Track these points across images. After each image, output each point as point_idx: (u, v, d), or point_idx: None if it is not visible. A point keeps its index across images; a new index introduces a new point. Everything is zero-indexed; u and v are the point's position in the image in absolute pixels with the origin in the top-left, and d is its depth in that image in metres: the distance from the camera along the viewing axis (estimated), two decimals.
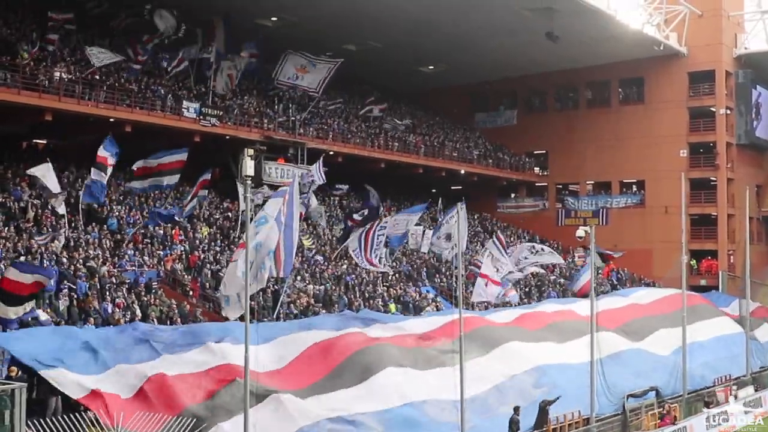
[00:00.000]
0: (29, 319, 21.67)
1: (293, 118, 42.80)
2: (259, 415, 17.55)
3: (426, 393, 23.70)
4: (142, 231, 31.71)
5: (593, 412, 25.79)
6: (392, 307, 34.42)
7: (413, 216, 40.60)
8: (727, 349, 38.53)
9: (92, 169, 30.02)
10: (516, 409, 23.63)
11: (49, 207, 29.24)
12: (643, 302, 39.84)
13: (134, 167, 31.46)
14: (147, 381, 19.38)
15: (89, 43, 35.57)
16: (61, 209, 28.97)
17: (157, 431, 16.41)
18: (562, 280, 48.10)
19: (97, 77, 34.64)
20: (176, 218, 32.44)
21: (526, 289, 44.48)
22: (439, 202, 49.94)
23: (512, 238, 52.64)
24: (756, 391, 35.04)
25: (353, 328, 25.93)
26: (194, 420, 17.45)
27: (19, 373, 18.10)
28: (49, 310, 23.01)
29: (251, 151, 37.66)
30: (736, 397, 33.18)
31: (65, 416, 16.40)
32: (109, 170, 30.29)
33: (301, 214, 33.06)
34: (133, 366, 19.91)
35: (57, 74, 32.66)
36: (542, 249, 42.81)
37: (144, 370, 19.87)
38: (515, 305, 36.80)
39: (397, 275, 39.17)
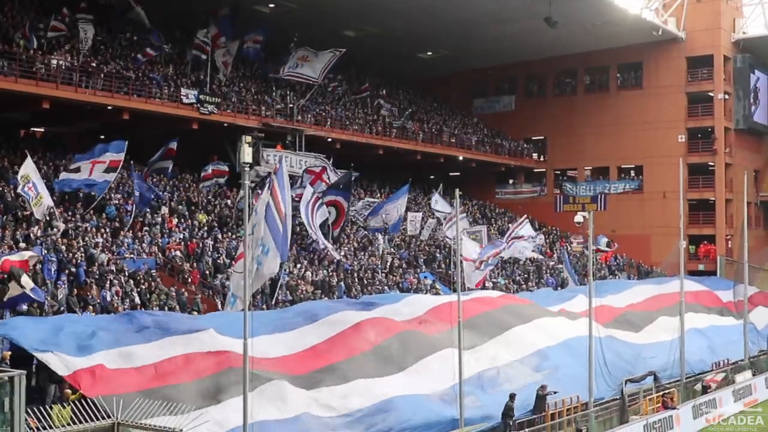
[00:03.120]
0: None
1: (291, 105, 42.76)
2: (254, 400, 17.56)
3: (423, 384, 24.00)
4: (141, 219, 31.72)
5: (592, 397, 25.87)
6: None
7: (401, 199, 40.72)
8: (724, 334, 38.70)
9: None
10: (512, 397, 23.73)
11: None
12: (636, 300, 39.85)
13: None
14: (143, 363, 19.49)
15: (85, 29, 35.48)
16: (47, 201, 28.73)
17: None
18: (560, 266, 48.16)
19: (94, 65, 34.58)
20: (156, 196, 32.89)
21: (525, 275, 44.59)
22: (440, 187, 49.99)
23: (510, 225, 52.58)
24: (753, 375, 35.15)
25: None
26: (191, 407, 17.47)
27: (7, 361, 18.08)
28: (48, 298, 23.06)
29: (249, 138, 37.60)
30: (733, 381, 33.33)
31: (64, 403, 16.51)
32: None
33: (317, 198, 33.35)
34: (131, 347, 19.96)
35: (54, 62, 32.59)
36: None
37: (142, 351, 19.94)
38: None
39: (396, 261, 39.29)
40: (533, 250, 44.21)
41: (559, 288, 43.27)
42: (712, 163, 55.80)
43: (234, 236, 33.69)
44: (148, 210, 32.76)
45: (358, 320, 25.38)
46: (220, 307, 27.56)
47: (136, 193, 30.98)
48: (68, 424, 15.50)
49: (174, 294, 26.66)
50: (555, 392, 25.51)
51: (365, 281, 34.93)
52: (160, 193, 33.51)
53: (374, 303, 27.87)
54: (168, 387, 18.82)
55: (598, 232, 46.08)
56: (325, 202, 35.86)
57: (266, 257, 22.45)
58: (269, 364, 21.50)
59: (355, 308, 26.69)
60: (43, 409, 15.11)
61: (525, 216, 44.34)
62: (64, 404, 16.94)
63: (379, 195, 48.30)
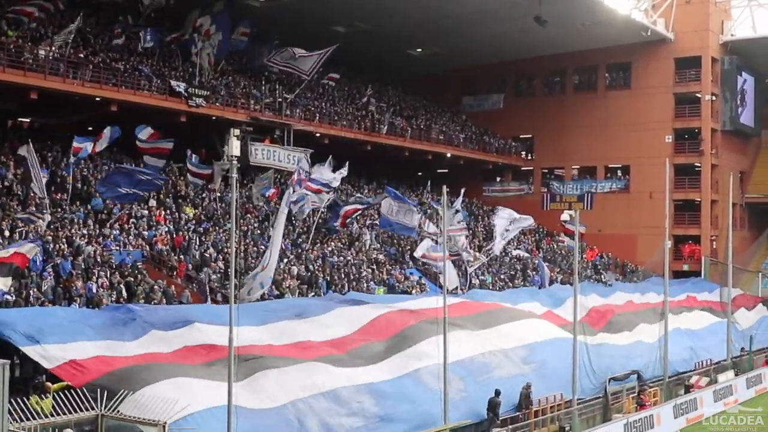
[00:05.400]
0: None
1: (280, 100, 42.68)
2: (240, 390, 17.65)
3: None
4: (128, 211, 31.62)
5: (575, 395, 26.03)
6: (380, 291, 34.54)
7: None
8: (707, 335, 39.00)
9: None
10: (497, 392, 23.89)
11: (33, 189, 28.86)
12: (620, 302, 40.10)
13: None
14: (129, 353, 19.53)
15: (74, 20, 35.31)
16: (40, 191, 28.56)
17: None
18: (546, 264, 48.28)
19: (82, 56, 34.43)
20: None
21: (511, 272, 44.71)
22: (428, 184, 50.07)
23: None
24: (736, 375, 35.42)
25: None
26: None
27: None
28: (33, 290, 23.00)
29: (237, 132, 37.53)
30: (716, 381, 33.57)
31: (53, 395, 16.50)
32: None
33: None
34: (119, 342, 19.95)
35: (42, 52, 32.43)
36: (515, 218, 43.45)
37: (131, 347, 19.94)
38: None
39: (382, 257, 39.34)
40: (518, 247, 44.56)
41: (546, 285, 43.42)
42: (699, 164, 56.07)
43: (221, 230, 33.66)
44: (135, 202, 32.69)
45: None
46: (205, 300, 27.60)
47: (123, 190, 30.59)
48: (49, 415, 15.52)
49: (162, 289, 26.58)
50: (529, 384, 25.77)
51: (351, 276, 34.96)
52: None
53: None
54: (154, 364, 18.94)
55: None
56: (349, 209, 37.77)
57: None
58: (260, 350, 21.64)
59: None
60: (21, 401, 15.10)
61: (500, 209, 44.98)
62: (43, 395, 16.89)
63: (366, 191, 48.26)
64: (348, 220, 39.50)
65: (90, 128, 34.60)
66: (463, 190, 45.63)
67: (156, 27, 38.89)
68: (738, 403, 31.26)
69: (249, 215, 36.42)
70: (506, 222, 43.21)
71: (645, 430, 25.97)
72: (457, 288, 36.75)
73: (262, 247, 32.21)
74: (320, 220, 38.41)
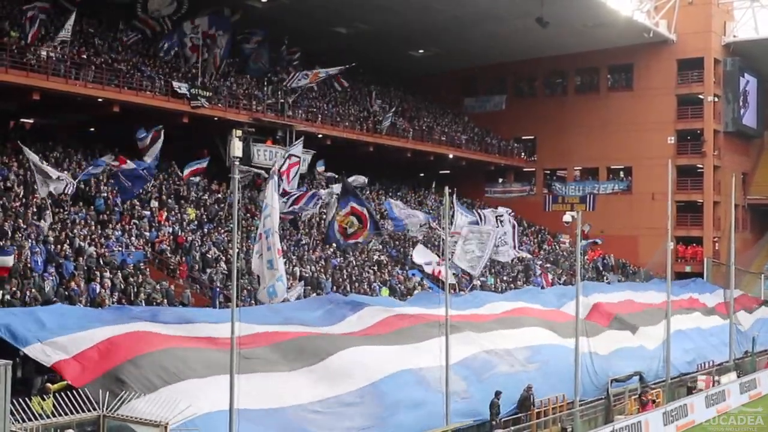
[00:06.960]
0: None
1: (282, 101, 42.66)
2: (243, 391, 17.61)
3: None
4: (130, 212, 31.63)
5: (577, 396, 25.99)
6: (385, 291, 34.50)
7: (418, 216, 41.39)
8: (711, 336, 38.95)
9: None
10: (497, 394, 23.84)
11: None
12: (624, 302, 40.10)
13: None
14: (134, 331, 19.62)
15: (77, 21, 35.34)
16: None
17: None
18: (548, 266, 48.29)
19: (84, 56, 34.45)
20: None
21: (513, 275, 44.67)
22: (433, 186, 50.03)
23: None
24: (738, 377, 35.35)
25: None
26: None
27: None
28: (33, 290, 22.98)
29: (239, 132, 37.51)
30: (719, 382, 33.52)
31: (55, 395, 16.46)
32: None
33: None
34: (120, 325, 19.94)
35: (44, 53, 32.43)
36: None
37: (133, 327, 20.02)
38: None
39: (384, 258, 39.33)
40: (518, 251, 44.35)
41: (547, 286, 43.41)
42: (701, 165, 56.05)
43: (223, 230, 33.66)
44: (137, 203, 32.69)
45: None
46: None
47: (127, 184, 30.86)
48: (50, 416, 15.49)
49: (161, 288, 26.57)
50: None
51: (353, 278, 34.94)
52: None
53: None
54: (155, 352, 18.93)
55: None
56: (347, 212, 36.06)
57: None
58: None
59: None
60: (23, 402, 15.08)
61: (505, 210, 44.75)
62: (44, 396, 16.88)
63: (368, 192, 48.26)
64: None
65: (92, 129, 34.62)
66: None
67: (174, 32, 39.04)
68: (761, 396, 32.36)
69: (248, 214, 36.42)
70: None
71: (680, 418, 28.09)
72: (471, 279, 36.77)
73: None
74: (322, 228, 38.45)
